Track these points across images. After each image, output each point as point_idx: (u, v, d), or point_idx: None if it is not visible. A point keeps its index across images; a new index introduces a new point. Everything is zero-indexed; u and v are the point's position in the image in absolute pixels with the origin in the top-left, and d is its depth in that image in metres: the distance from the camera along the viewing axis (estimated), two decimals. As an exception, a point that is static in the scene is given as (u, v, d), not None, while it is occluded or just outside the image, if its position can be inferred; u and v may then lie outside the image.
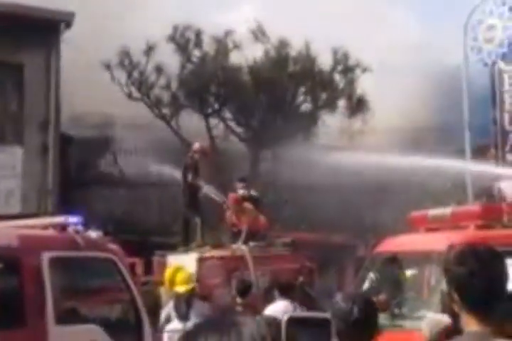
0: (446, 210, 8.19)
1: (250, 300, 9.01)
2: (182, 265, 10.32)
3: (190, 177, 12.45)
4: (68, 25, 15.64)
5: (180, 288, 8.86)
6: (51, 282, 5.88)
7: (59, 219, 6.68)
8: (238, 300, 8.86)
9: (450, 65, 21.31)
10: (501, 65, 17.95)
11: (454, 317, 4.13)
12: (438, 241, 7.22)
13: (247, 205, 12.76)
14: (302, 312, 7.15)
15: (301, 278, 11.40)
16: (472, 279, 2.39)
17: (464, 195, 16.61)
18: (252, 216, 12.66)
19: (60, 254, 6.17)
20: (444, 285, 6.52)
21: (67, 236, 6.33)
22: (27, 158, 15.07)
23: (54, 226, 6.52)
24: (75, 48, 16.63)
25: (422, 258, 7.88)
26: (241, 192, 12.85)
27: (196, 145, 13.06)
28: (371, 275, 8.51)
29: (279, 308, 8.25)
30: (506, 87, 17.88)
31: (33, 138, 15.23)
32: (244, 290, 9.02)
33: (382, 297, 7.74)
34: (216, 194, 12.74)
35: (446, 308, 5.85)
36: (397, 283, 8.04)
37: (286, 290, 8.65)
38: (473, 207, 8.53)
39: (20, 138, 15.25)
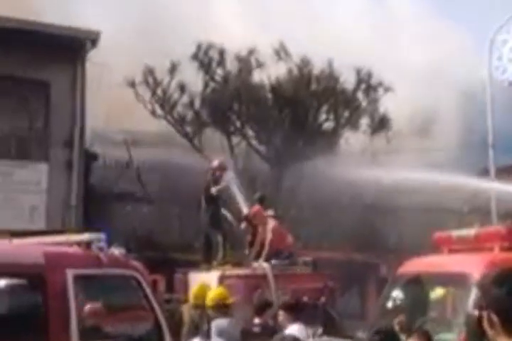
0: (471, 231, 8.12)
1: (268, 318, 8.90)
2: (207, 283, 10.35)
3: (214, 190, 12.50)
4: (94, 43, 15.83)
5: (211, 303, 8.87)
6: (75, 299, 5.91)
7: (83, 236, 6.70)
8: (256, 319, 8.75)
9: (474, 84, 21.23)
10: (526, 84, 17.87)
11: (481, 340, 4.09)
12: (463, 263, 7.16)
13: (272, 220, 12.70)
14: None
15: (322, 298, 11.33)
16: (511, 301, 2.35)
17: (488, 216, 16.46)
18: (277, 232, 12.60)
19: (84, 272, 6.19)
20: (469, 307, 6.47)
21: (91, 253, 6.35)
22: (52, 174, 15.22)
23: (78, 243, 6.55)
24: (100, 66, 16.83)
25: (446, 280, 7.80)
26: (266, 213, 12.84)
27: (215, 163, 13.11)
28: (394, 295, 8.43)
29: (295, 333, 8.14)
30: (531, 106, 17.78)
31: (58, 154, 15.39)
32: (262, 308, 8.91)
33: (402, 317, 7.66)
34: (243, 203, 12.73)
35: (470, 330, 5.79)
36: (421, 304, 7.96)
37: (294, 311, 8.44)
38: (498, 228, 8.43)
39: (45, 155, 15.42)
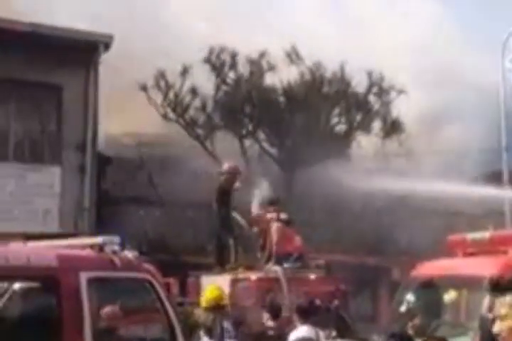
0: (485, 235, 8.08)
1: (283, 322, 8.90)
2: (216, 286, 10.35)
3: (225, 199, 12.49)
4: (107, 47, 15.88)
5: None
6: (89, 302, 5.91)
7: (97, 239, 6.71)
8: (270, 323, 8.77)
9: (487, 87, 21.16)
10: (539, 86, 17.80)
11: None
12: (478, 266, 7.12)
13: (274, 224, 12.69)
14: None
15: (335, 301, 11.30)
16: None
17: (501, 218, 16.38)
18: (283, 235, 12.59)
19: (98, 274, 6.20)
20: (483, 311, 6.42)
21: (105, 256, 6.35)
22: (65, 177, 15.27)
23: (92, 246, 6.56)
24: (112, 70, 16.88)
25: (461, 283, 7.76)
26: (270, 215, 12.83)
27: (226, 166, 13.03)
28: (407, 299, 8.40)
29: (300, 334, 8.16)
30: (544, 109, 17.70)
31: (71, 158, 15.44)
32: (276, 312, 8.92)
33: (417, 321, 7.64)
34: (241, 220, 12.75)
35: (484, 333, 5.75)
36: (435, 307, 7.93)
37: (307, 314, 8.49)
38: (512, 231, 8.39)
39: (58, 158, 15.47)
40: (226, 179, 12.70)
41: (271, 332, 8.55)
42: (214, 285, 10.27)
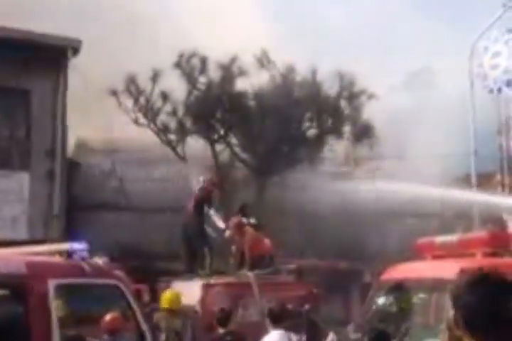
0: (453, 237, 8.15)
1: (232, 328, 8.83)
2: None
3: (205, 208, 12.68)
4: (75, 51, 15.76)
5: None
6: (57, 309, 5.86)
7: (65, 245, 6.66)
8: (220, 330, 8.67)
9: (456, 91, 21.40)
10: (507, 91, 18.02)
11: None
12: (445, 269, 7.18)
13: (249, 229, 12.81)
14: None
15: (306, 306, 11.33)
16: (481, 307, 2.40)
17: (470, 221, 16.55)
18: (254, 239, 12.67)
19: (66, 281, 6.15)
20: (449, 313, 6.46)
21: (73, 263, 6.31)
22: (33, 183, 15.12)
23: (60, 252, 6.51)
24: (81, 74, 16.77)
25: (429, 286, 7.82)
26: (241, 220, 12.98)
27: (207, 178, 13.43)
28: (377, 302, 8.44)
29: (273, 338, 8.14)
30: (512, 113, 17.93)
31: (40, 163, 15.28)
32: (225, 319, 8.83)
33: (386, 324, 7.68)
34: (219, 220, 12.86)
35: (452, 337, 5.80)
36: (404, 310, 7.97)
37: (279, 318, 8.46)
38: (481, 234, 8.47)
39: (26, 164, 15.31)
40: (207, 190, 12.95)
41: (228, 338, 8.48)
42: (172, 290, 10.56)
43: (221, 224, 12.81)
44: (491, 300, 2.44)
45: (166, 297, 10.34)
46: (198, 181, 13.32)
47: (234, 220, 12.92)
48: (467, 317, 2.46)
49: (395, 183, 14.76)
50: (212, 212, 12.86)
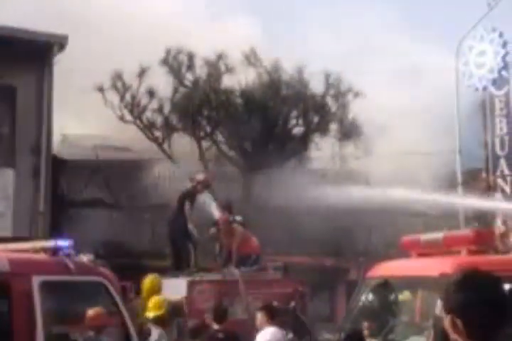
0: (439, 235, 8.17)
1: (228, 325, 8.80)
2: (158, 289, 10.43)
3: (188, 205, 12.57)
4: (61, 47, 15.64)
5: (150, 314, 8.84)
6: (41, 306, 5.82)
7: (50, 242, 6.62)
8: (215, 326, 8.65)
9: (441, 90, 21.47)
10: (492, 89, 18.11)
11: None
12: (430, 267, 7.20)
13: (237, 227, 12.78)
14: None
15: (293, 303, 11.35)
16: (476, 305, 2.40)
17: (455, 219, 16.62)
18: (243, 238, 12.66)
19: (51, 278, 6.11)
20: (436, 311, 6.50)
21: (58, 260, 6.28)
22: (19, 180, 15.01)
23: (45, 250, 6.47)
24: (67, 71, 16.66)
25: (414, 284, 7.85)
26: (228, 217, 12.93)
27: (200, 177, 13.23)
28: (363, 300, 8.47)
29: (269, 335, 8.15)
30: (497, 111, 18.01)
31: (25, 160, 15.17)
32: (221, 315, 8.80)
33: (371, 323, 7.69)
34: (215, 209, 12.83)
35: (438, 334, 5.82)
36: (389, 308, 8.00)
37: (275, 315, 8.49)
38: (466, 232, 8.50)
39: (11, 161, 15.19)
40: (196, 188, 12.86)
41: (221, 335, 8.48)
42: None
43: (216, 213, 12.77)
44: (485, 289, 2.44)
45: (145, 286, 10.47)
46: (191, 179, 13.18)
47: (222, 218, 12.87)
48: (465, 315, 2.42)
49: (378, 181, 14.80)
50: (208, 199, 12.84)
